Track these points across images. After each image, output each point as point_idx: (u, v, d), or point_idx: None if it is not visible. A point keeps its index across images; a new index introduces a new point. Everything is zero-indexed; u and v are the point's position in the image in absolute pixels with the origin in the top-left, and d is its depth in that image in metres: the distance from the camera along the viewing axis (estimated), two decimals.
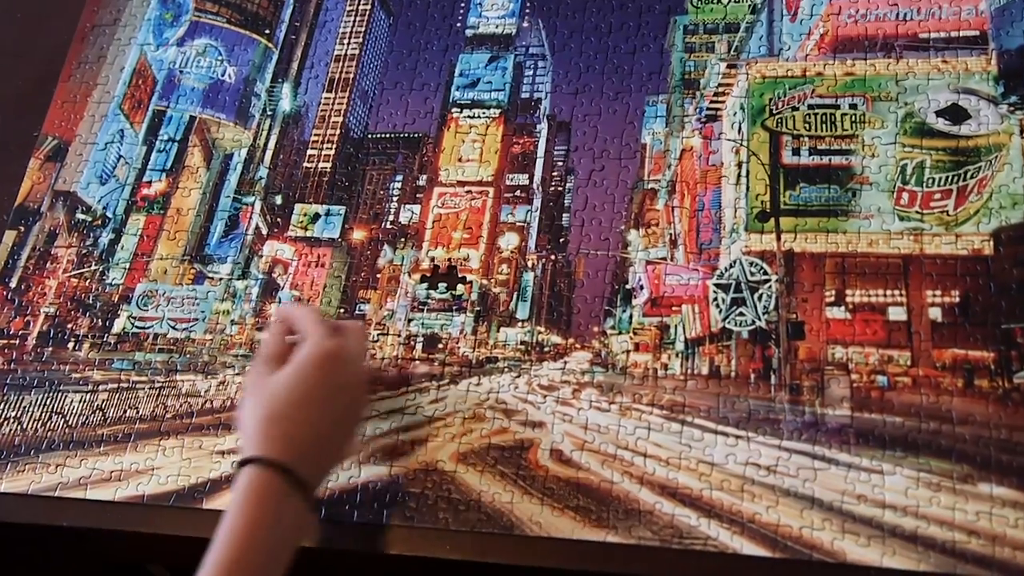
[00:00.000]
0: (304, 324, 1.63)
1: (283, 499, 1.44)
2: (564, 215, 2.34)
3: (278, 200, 2.53)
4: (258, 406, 1.53)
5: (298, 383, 1.55)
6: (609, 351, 2.13)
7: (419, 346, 2.34)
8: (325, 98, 2.72)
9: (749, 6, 2.56)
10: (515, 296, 2.17)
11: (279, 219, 2.50)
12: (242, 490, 1.44)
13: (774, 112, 2.32)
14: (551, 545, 1.79)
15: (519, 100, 2.56)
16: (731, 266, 2.16)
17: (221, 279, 2.47)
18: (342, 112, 2.70)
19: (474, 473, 1.96)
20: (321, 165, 2.60)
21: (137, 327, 2.45)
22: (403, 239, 2.43)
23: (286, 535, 1.46)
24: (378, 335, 2.38)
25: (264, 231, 2.48)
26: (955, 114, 2.18)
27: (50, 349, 2.44)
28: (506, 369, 2.05)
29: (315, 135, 2.65)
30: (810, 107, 2.30)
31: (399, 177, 2.56)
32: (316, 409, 1.55)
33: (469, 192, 2.39)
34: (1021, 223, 2.02)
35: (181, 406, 2.26)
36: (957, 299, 1.99)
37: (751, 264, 2.14)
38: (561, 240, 2.27)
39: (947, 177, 2.12)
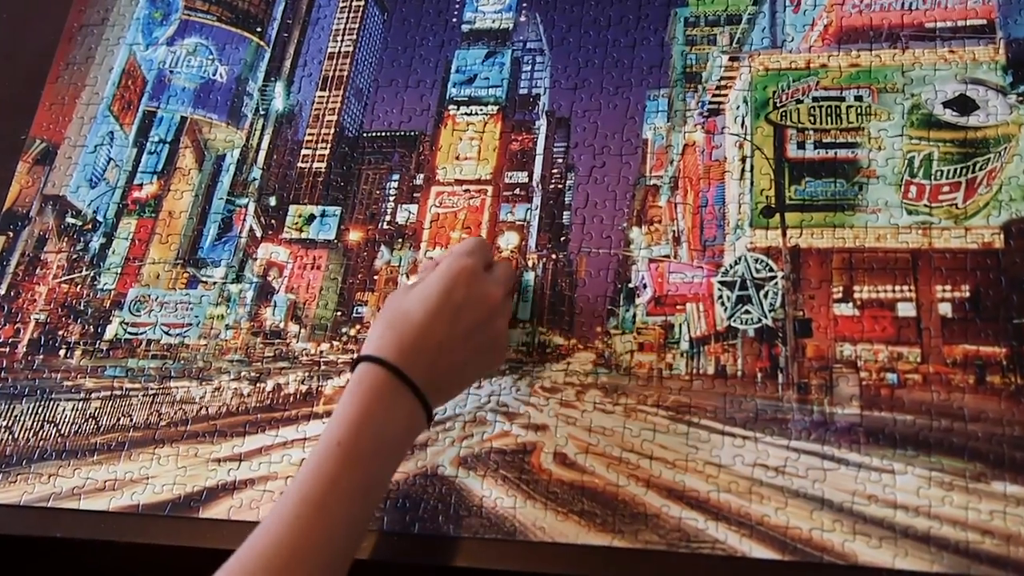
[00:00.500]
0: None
1: (395, 395, 1.50)
2: (565, 213, 2.35)
3: (272, 201, 2.54)
4: (383, 312, 1.62)
5: (420, 293, 1.63)
6: (613, 351, 2.13)
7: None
8: (319, 97, 2.73)
9: None
10: (516, 296, 2.18)
11: (273, 221, 2.51)
12: (354, 383, 1.50)
13: (778, 105, 2.33)
14: (555, 550, 1.80)
15: (517, 96, 2.57)
16: (736, 263, 2.16)
17: (215, 283, 2.48)
18: (336, 111, 2.70)
19: (476, 478, 1.96)
20: (316, 165, 2.60)
21: (130, 333, 2.46)
22: (400, 240, 2.43)
23: (397, 430, 1.50)
24: None
25: (258, 233, 2.49)
26: (963, 105, 2.18)
27: (41, 357, 2.45)
28: (507, 371, 2.05)
29: (309, 134, 2.65)
30: (814, 100, 2.30)
31: (395, 176, 2.56)
32: (434, 319, 1.61)
33: (467, 191, 2.40)
34: None
35: (175, 413, 2.26)
36: (967, 294, 2.00)
37: (756, 261, 2.14)
38: (562, 239, 2.27)
39: (955, 169, 2.13)
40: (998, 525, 1.67)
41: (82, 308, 2.55)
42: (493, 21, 2.79)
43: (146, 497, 2.08)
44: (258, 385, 2.33)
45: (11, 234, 2.65)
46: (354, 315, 2.42)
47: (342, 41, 2.91)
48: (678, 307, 2.26)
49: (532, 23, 2.77)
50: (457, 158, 2.57)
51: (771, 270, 2.13)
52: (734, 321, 2.12)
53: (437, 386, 1.59)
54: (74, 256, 2.65)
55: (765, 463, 1.86)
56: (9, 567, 2.30)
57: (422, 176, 2.64)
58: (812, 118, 2.29)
